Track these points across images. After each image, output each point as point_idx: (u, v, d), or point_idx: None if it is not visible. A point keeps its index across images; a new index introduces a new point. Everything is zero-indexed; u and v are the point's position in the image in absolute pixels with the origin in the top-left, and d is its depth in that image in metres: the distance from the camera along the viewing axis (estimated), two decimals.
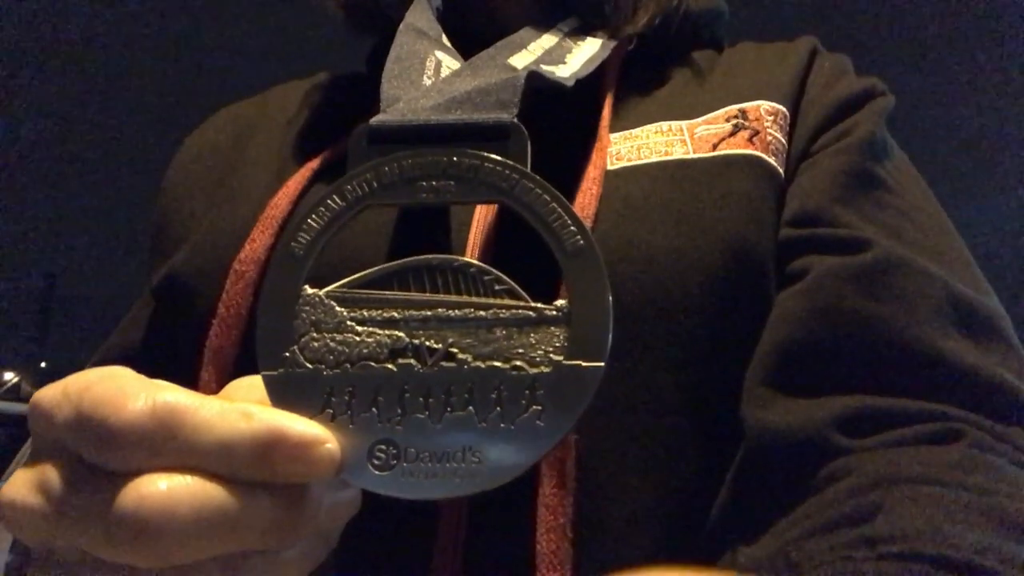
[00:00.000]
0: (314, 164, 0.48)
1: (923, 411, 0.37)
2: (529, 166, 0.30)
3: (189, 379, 0.42)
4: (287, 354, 0.28)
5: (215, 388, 0.41)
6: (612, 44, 0.50)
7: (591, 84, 0.48)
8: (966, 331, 0.40)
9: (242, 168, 0.53)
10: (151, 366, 0.49)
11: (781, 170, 0.46)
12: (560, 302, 0.28)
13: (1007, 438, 0.37)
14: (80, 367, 0.53)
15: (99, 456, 0.25)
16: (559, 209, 0.29)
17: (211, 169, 0.55)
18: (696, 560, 0.38)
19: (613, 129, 0.47)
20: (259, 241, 0.44)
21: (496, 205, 0.41)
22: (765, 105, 0.48)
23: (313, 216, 0.29)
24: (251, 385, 0.28)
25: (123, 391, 0.25)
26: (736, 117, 0.47)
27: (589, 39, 0.50)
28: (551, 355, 0.27)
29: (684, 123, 0.47)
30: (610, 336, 0.27)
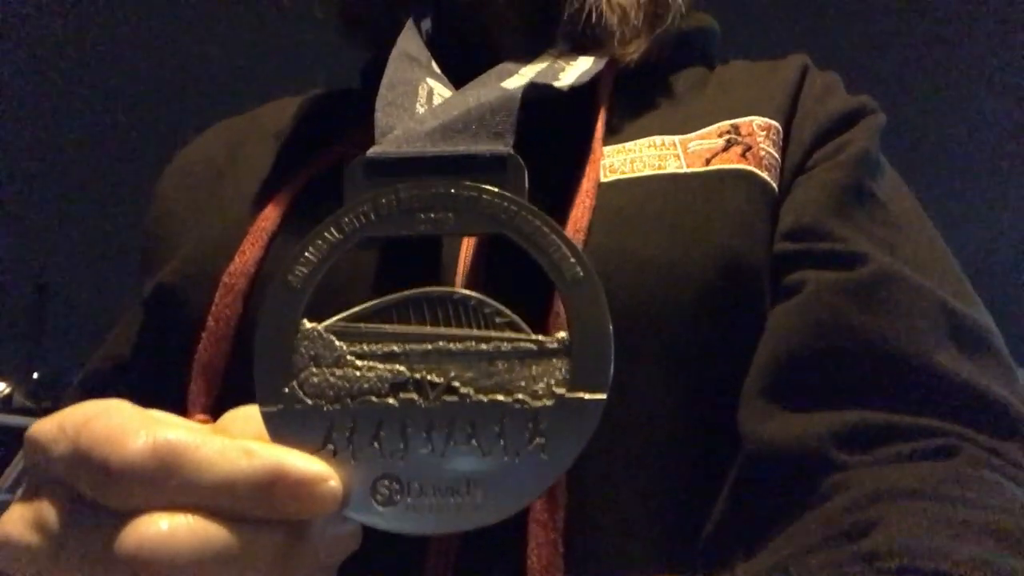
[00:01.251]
0: (305, 177, 0.48)
1: (919, 427, 0.37)
2: (526, 196, 0.30)
3: (179, 391, 0.42)
4: (286, 389, 0.28)
5: (204, 401, 0.41)
6: (604, 60, 0.51)
7: (585, 98, 0.48)
8: (960, 346, 0.40)
9: (233, 180, 0.53)
10: (141, 378, 0.48)
11: (774, 184, 0.46)
12: (561, 334, 0.28)
13: (1002, 453, 0.37)
14: (73, 378, 0.53)
15: (98, 494, 0.25)
16: (558, 240, 0.29)
17: (203, 181, 0.55)
18: (688, 574, 0.38)
19: (607, 142, 0.47)
20: (249, 253, 0.44)
21: (483, 235, 0.41)
22: (757, 120, 0.48)
23: (310, 249, 0.29)
24: (247, 416, 0.28)
25: (122, 428, 0.25)
26: (729, 132, 0.47)
27: (581, 58, 0.50)
28: (553, 388, 0.27)
29: (677, 138, 0.48)
30: (612, 367, 0.27)
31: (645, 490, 0.39)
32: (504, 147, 0.33)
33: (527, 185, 0.31)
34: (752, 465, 0.38)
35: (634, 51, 0.52)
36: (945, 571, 0.29)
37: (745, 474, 0.39)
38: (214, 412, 0.29)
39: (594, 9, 0.51)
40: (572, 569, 0.36)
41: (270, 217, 0.45)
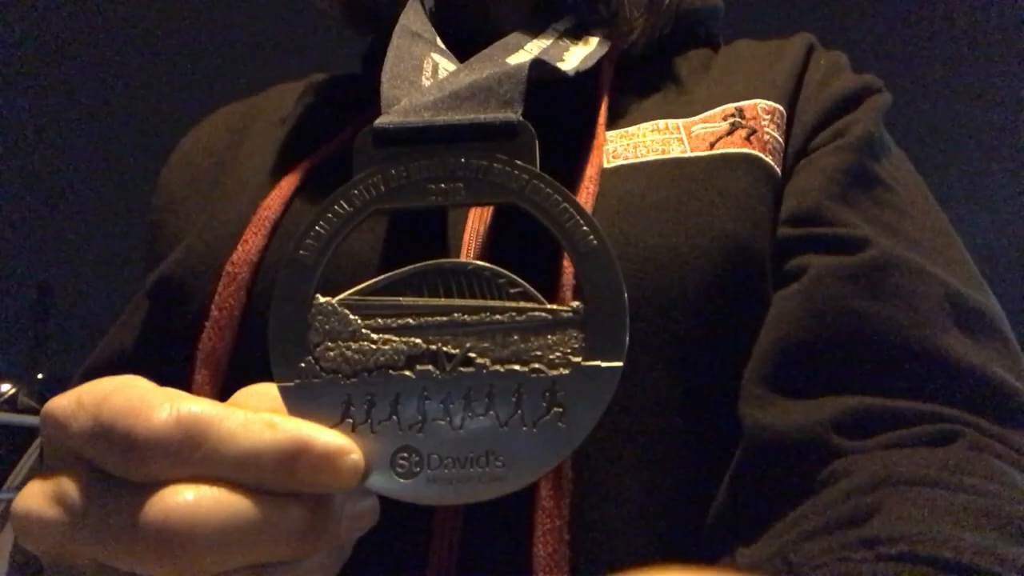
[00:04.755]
0: (308, 164, 0.48)
1: (921, 412, 0.37)
2: (538, 165, 0.30)
3: (183, 381, 0.42)
4: (302, 364, 0.28)
5: (209, 391, 0.41)
6: (608, 43, 0.50)
7: (588, 82, 0.48)
8: (964, 330, 0.40)
9: (236, 168, 0.53)
10: (145, 368, 0.49)
11: (778, 169, 0.46)
12: (575, 303, 0.28)
13: (1004, 439, 0.37)
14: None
15: (122, 467, 0.25)
16: (571, 209, 0.29)
17: (206, 169, 0.55)
18: (693, 560, 0.38)
19: (610, 127, 0.47)
20: (252, 243, 0.43)
21: (491, 206, 0.41)
22: (762, 104, 0.48)
23: (321, 222, 0.29)
24: (261, 394, 0.28)
25: (145, 401, 0.25)
26: (733, 116, 0.47)
27: (586, 38, 0.50)
28: (569, 356, 0.27)
29: (681, 121, 0.47)
30: (627, 335, 0.27)
31: (649, 477, 0.39)
32: (514, 115, 0.33)
33: (538, 154, 0.31)
34: (753, 452, 0.38)
35: (636, 33, 0.52)
36: (946, 557, 0.29)
37: (746, 461, 0.39)
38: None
39: None
40: (577, 557, 0.36)
41: (273, 206, 0.45)
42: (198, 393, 0.41)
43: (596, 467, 0.38)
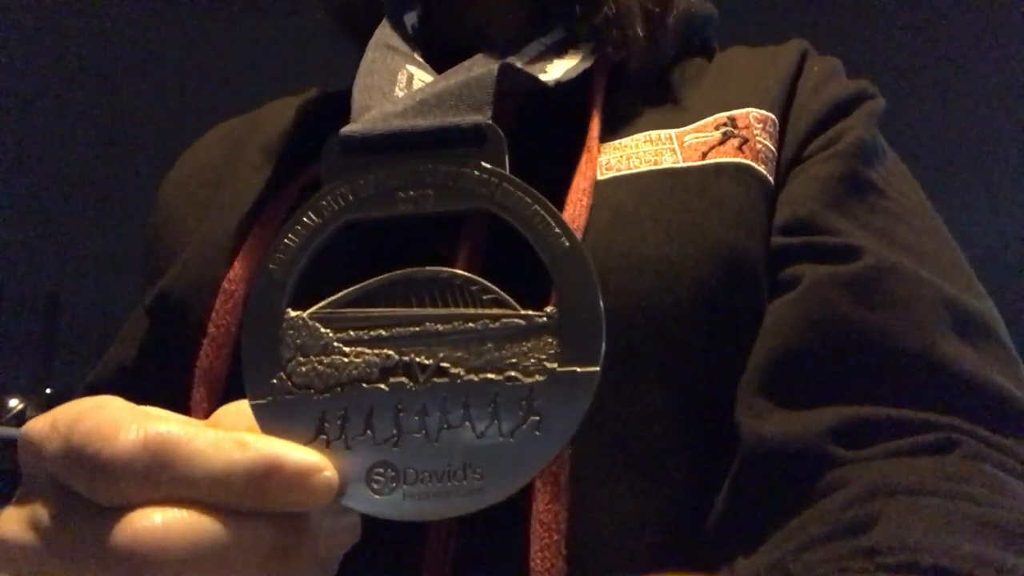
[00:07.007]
0: (304, 180, 0.47)
1: (918, 421, 0.37)
2: (508, 168, 0.30)
3: (183, 398, 0.42)
4: (274, 381, 0.27)
5: (207, 408, 0.41)
6: (593, 57, 0.50)
7: (579, 94, 0.47)
8: (961, 336, 0.39)
9: (233, 184, 0.52)
10: (145, 385, 0.48)
11: (771, 178, 0.45)
12: (550, 308, 0.27)
13: (1002, 447, 0.36)
14: None
15: (91, 489, 0.25)
16: (542, 212, 0.28)
17: (204, 185, 0.55)
18: (690, 571, 0.37)
19: (602, 139, 0.47)
20: (249, 259, 0.43)
21: (485, 214, 0.40)
22: (754, 113, 0.47)
23: (290, 235, 0.29)
24: (240, 411, 0.28)
25: (114, 422, 0.25)
26: (725, 125, 0.47)
27: (571, 51, 0.49)
28: (545, 363, 0.27)
29: (673, 132, 0.47)
30: (604, 339, 0.27)
31: (646, 488, 0.38)
32: (483, 117, 0.32)
33: (507, 158, 0.30)
34: (751, 462, 0.38)
35: (630, 51, 0.51)
36: (946, 567, 0.28)
37: (744, 471, 0.38)
38: None
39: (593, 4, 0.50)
40: (573, 570, 0.36)
41: (270, 222, 0.45)
42: (197, 410, 0.41)
43: (592, 479, 0.38)
